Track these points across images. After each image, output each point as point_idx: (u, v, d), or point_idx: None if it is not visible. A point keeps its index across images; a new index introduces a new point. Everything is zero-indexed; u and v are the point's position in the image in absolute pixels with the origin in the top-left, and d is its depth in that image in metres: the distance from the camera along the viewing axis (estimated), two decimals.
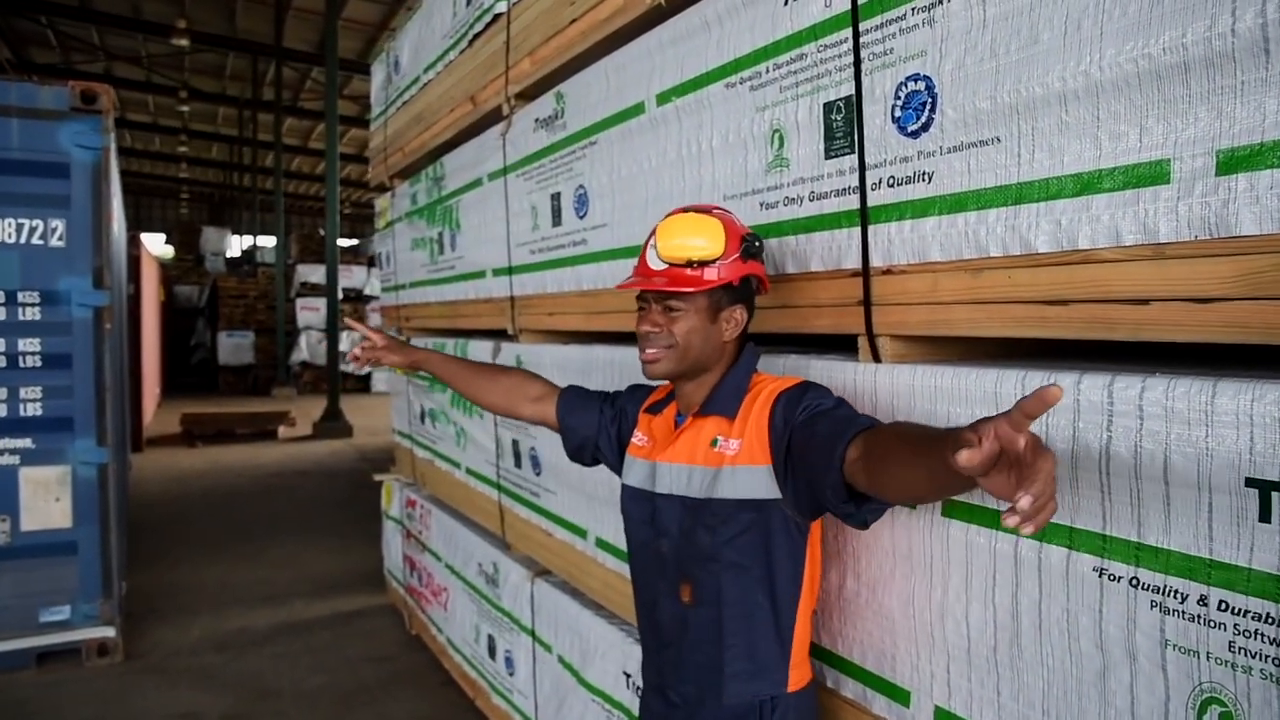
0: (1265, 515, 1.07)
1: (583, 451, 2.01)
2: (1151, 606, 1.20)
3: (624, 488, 1.79)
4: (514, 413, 2.07)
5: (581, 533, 2.74)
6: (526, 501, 3.13)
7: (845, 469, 1.35)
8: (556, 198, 2.79)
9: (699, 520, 1.59)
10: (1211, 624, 1.13)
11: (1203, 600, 1.14)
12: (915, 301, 1.54)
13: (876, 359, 1.64)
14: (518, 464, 3.18)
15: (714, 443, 1.60)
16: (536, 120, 2.88)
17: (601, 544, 2.62)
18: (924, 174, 1.50)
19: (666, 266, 1.58)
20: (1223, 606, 1.12)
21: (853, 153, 1.64)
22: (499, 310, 3.28)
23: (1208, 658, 1.14)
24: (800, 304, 1.81)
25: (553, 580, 2.99)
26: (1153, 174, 1.17)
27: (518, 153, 3.03)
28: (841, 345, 1.86)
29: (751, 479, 1.54)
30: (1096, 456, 1.24)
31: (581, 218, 2.65)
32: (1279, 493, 1.06)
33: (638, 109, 2.30)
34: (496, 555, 3.37)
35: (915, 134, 1.51)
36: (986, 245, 1.40)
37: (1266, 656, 1.08)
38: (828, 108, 1.69)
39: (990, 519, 1.42)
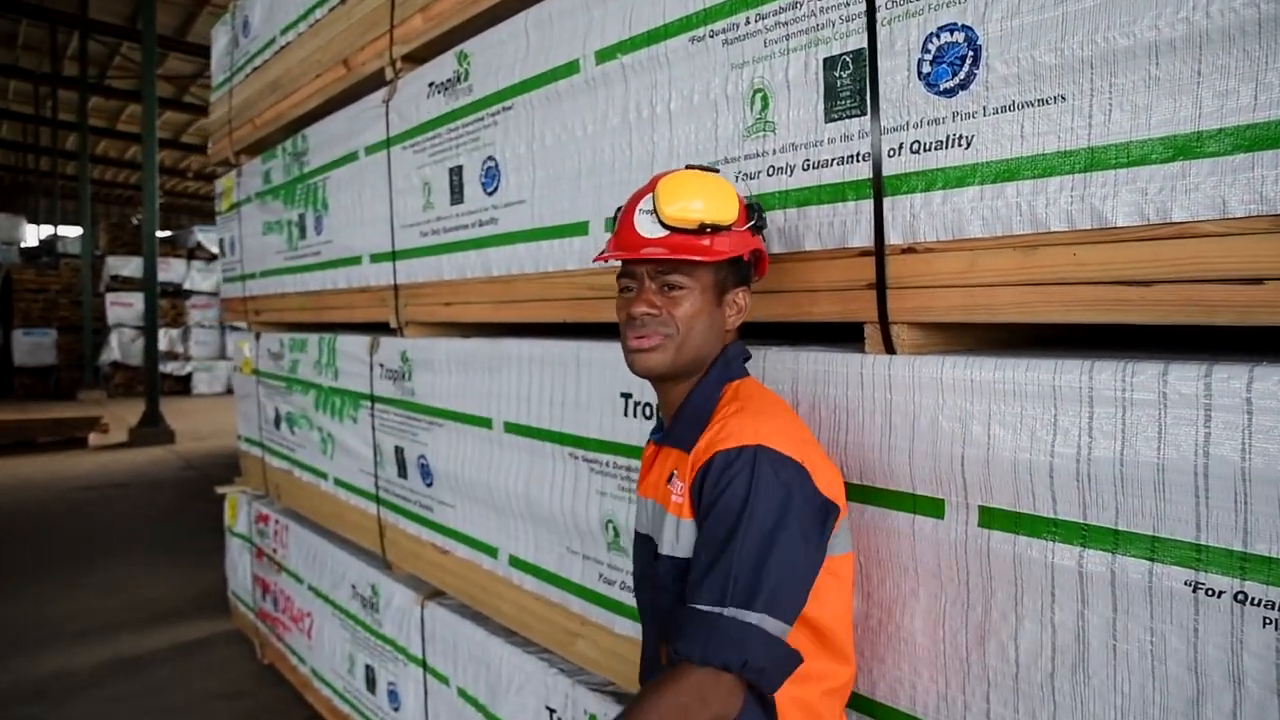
0: None
1: None
2: (1265, 625, 1.06)
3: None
4: None
5: (490, 550, 2.43)
6: (415, 516, 2.77)
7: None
8: (457, 172, 2.46)
9: (655, 569, 1.35)
10: None
11: None
12: (945, 284, 1.36)
13: (889, 350, 1.46)
14: (402, 474, 2.82)
15: (670, 478, 1.35)
16: (431, 85, 2.53)
17: (517, 563, 2.33)
18: (961, 138, 1.32)
19: (667, 234, 1.31)
20: None
21: (863, 114, 1.44)
22: (378, 300, 2.90)
23: None
24: (790, 288, 1.59)
25: (449, 604, 2.66)
26: (1273, 136, 1.03)
27: (406, 122, 2.66)
28: (836, 335, 1.67)
29: (686, 534, 1.30)
30: (1192, 456, 1.10)
31: (490, 194, 2.34)
32: None
33: (570, 69, 2.02)
34: (375, 576, 2.99)
35: (950, 92, 1.33)
36: (1046, 219, 1.23)
37: None
38: (829, 63, 1.49)
39: (1043, 528, 1.26)
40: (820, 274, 1.54)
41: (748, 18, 1.61)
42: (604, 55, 1.93)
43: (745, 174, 1.65)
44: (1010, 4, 1.25)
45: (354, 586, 3.10)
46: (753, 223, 1.37)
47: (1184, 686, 1.13)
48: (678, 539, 1.30)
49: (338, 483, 3.33)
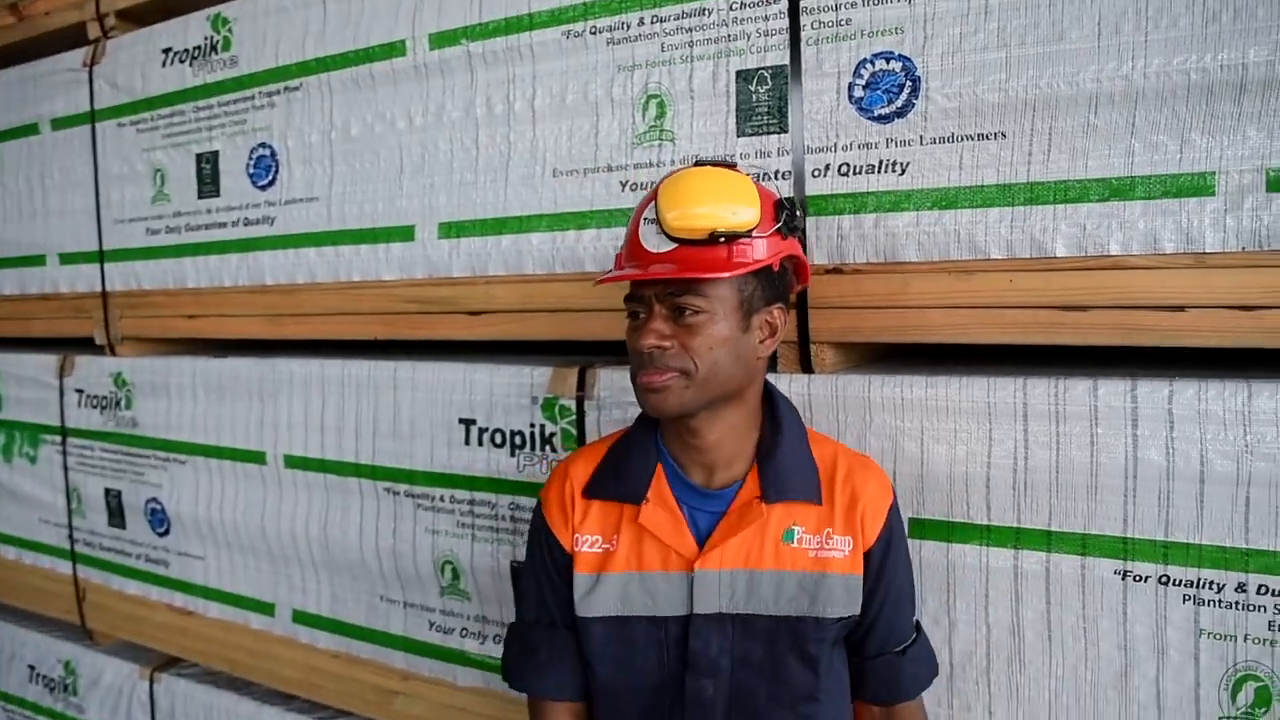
0: None
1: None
2: (1184, 600, 1.24)
3: (589, 622, 1.21)
4: None
5: (264, 607, 2.05)
6: (139, 573, 2.25)
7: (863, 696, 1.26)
8: (209, 159, 2.04)
9: (793, 648, 1.16)
10: (1250, 607, 1.21)
11: (1241, 587, 1.21)
12: (875, 305, 1.40)
13: (806, 369, 1.47)
14: (117, 523, 2.27)
15: (788, 535, 1.16)
16: (169, 52, 2.06)
17: (305, 619, 1.99)
18: (895, 164, 1.37)
19: (675, 247, 1.10)
20: (1262, 590, 1.20)
21: (783, 132, 1.44)
22: (73, 310, 2.30)
23: (1245, 639, 1.21)
24: None
25: (191, 673, 2.20)
26: (1195, 186, 1.20)
27: (124, 94, 2.14)
28: None
29: (856, 590, 1.18)
30: (1122, 461, 1.25)
31: (264, 187, 1.97)
32: None
33: (392, 50, 1.77)
34: (69, 651, 2.38)
35: (885, 119, 1.37)
36: (986, 247, 1.32)
37: None
38: (744, 76, 1.46)
39: (976, 535, 1.36)
40: None
41: (641, 18, 1.53)
42: (442, 39, 1.71)
43: (634, 184, 1.56)
44: (951, 41, 1.32)
45: (33, 667, 2.43)
46: (781, 224, 1.15)
47: (1113, 663, 1.28)
48: (848, 595, 1.17)
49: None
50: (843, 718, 1.24)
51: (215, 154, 2.03)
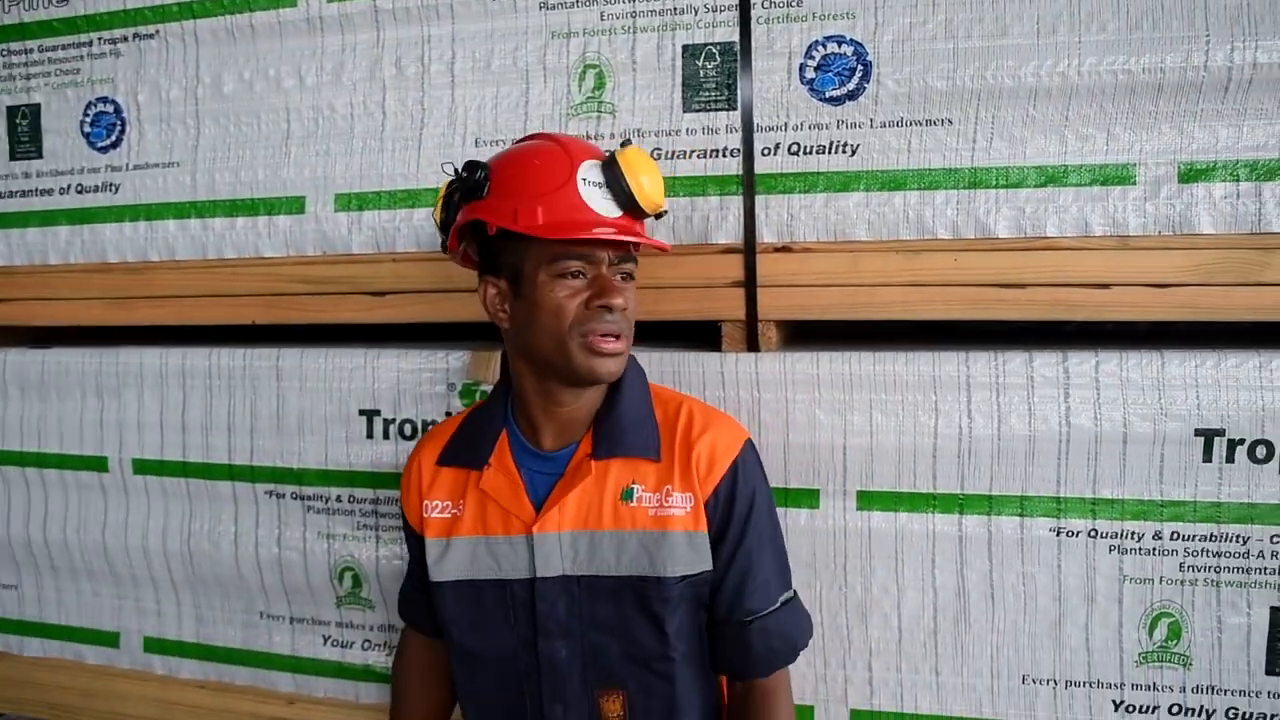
0: (1207, 457, 1.33)
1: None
2: (1110, 551, 1.37)
3: (441, 585, 1.23)
4: (444, 671, 1.37)
5: (105, 638, 1.76)
6: None
7: (715, 667, 1.23)
8: (25, 114, 1.71)
9: (639, 608, 1.15)
10: (1165, 552, 1.35)
11: (1157, 535, 1.35)
12: (825, 283, 1.43)
13: (752, 348, 1.47)
14: None
15: (627, 494, 1.16)
16: None
17: (160, 646, 1.73)
18: (846, 145, 1.40)
19: (620, 214, 1.14)
20: (1174, 536, 1.35)
21: (732, 109, 1.44)
22: None
23: (1160, 581, 1.36)
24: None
25: None
26: (1119, 175, 1.33)
27: None
28: (666, 334, 1.61)
29: (703, 547, 1.17)
30: (1056, 426, 1.36)
31: (104, 149, 1.69)
32: (1220, 438, 1.32)
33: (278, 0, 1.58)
34: None
35: (836, 100, 1.40)
36: (934, 227, 1.39)
37: (1206, 567, 1.34)
38: (690, 51, 1.44)
39: (923, 503, 1.42)
40: (672, 270, 1.48)
41: None
42: None
43: None
44: (901, 29, 1.37)
45: None
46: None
47: (1049, 613, 1.39)
48: (693, 553, 1.15)
49: None
50: (709, 680, 1.23)
51: (35, 108, 1.71)
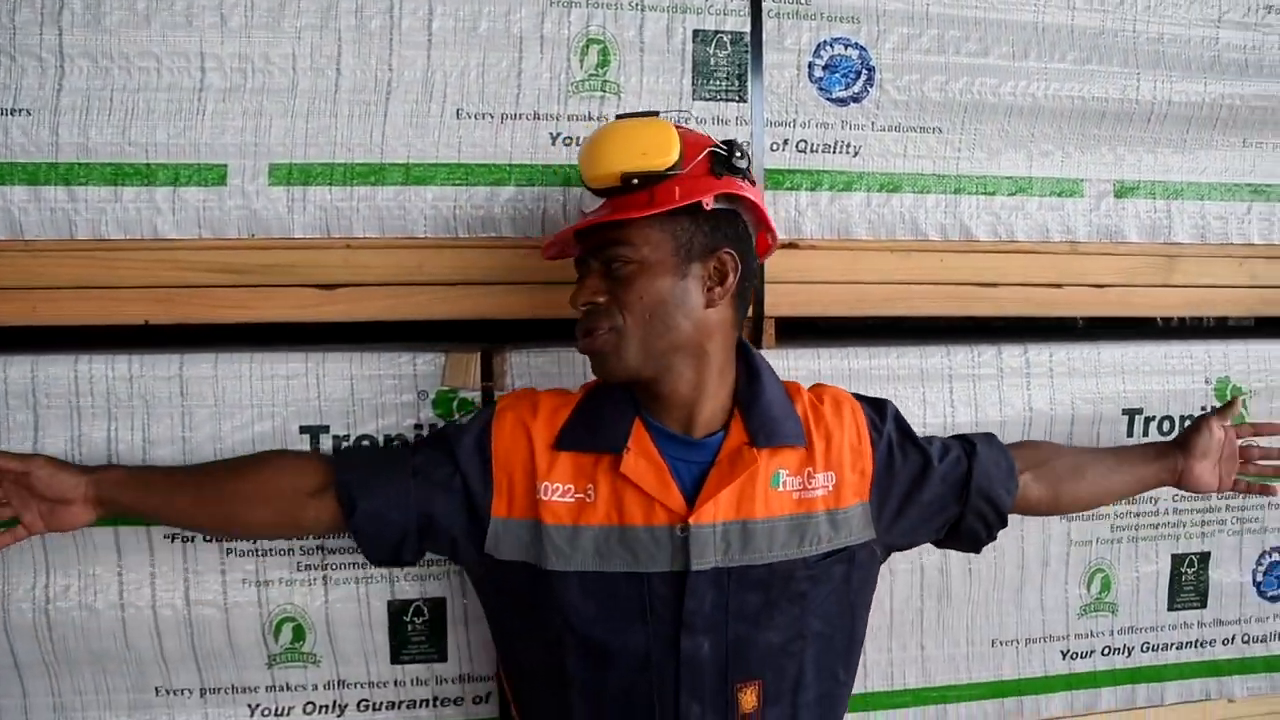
0: (1130, 432, 1.57)
1: (401, 548, 1.15)
2: (1061, 519, 1.55)
3: (564, 575, 1.09)
4: (294, 526, 1.20)
5: None
6: None
7: (1019, 501, 1.28)
8: None
9: (784, 593, 1.12)
10: (1101, 517, 1.56)
11: None
12: (830, 280, 1.46)
13: (755, 345, 1.45)
14: None
15: (775, 480, 1.12)
16: None
17: None
18: (849, 145, 1.44)
19: (603, 201, 1.11)
20: None
21: (742, 101, 1.40)
22: None
23: (1097, 542, 1.57)
24: None
25: None
26: (1071, 189, 1.52)
27: None
28: None
29: (847, 522, 1.16)
30: (1021, 410, 1.51)
31: None
32: (1139, 415, 1.56)
33: None
34: None
35: (842, 101, 1.43)
36: (925, 229, 1.47)
37: (1129, 526, 1.58)
38: (701, 37, 1.39)
39: None
40: None
41: None
42: None
43: (569, 137, 1.37)
44: (901, 39, 1.44)
45: None
46: (713, 165, 1.09)
47: (1014, 580, 1.54)
48: (833, 530, 1.14)
49: None
50: (838, 657, 1.21)
51: None
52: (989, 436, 1.30)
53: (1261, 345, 1.60)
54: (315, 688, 1.37)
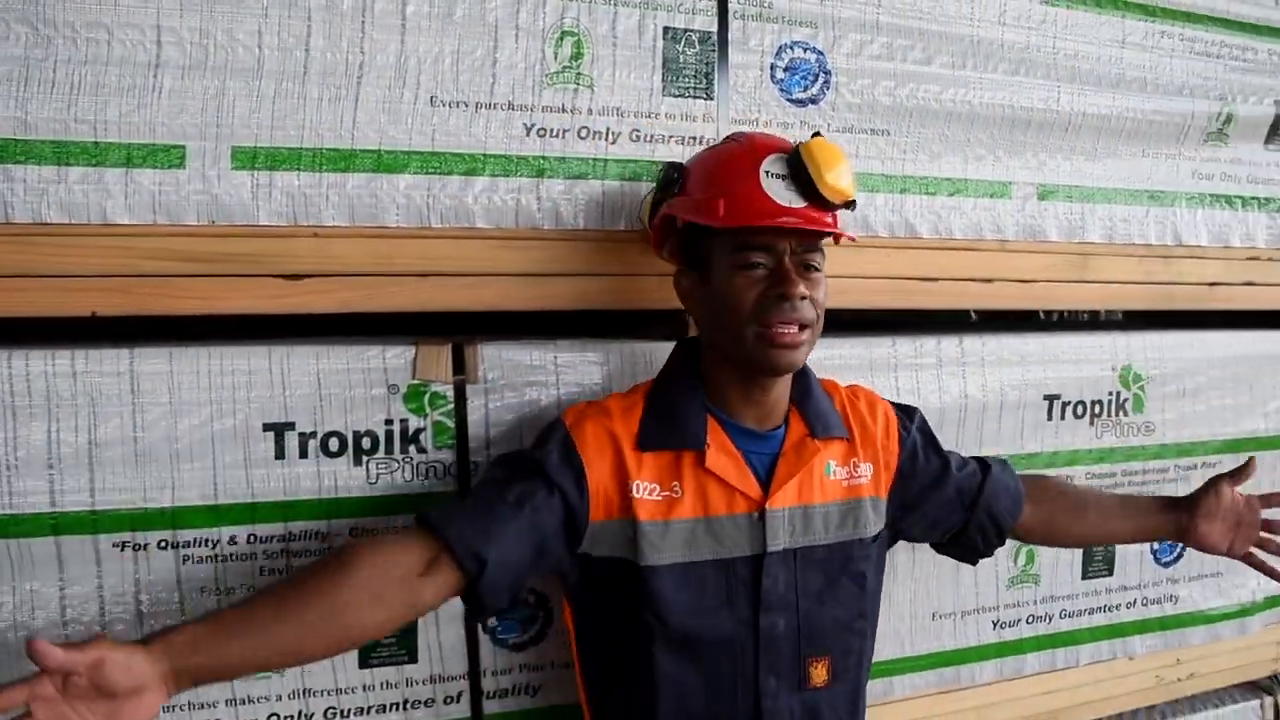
0: (1049, 417, 1.70)
1: (519, 589, 1.17)
2: None
3: (656, 570, 1.15)
4: (414, 612, 1.11)
5: None
6: None
7: (1018, 526, 1.39)
8: None
9: (845, 571, 1.24)
10: None
11: None
12: None
13: None
14: None
15: (828, 470, 1.24)
16: None
17: None
18: None
19: (805, 205, 1.13)
20: None
21: (709, 99, 1.44)
22: None
23: None
24: (610, 272, 1.41)
25: None
26: (1001, 191, 1.63)
27: None
28: (620, 326, 1.51)
29: (879, 512, 1.29)
30: (958, 398, 1.62)
31: None
32: (1058, 401, 1.70)
33: None
34: None
35: (801, 103, 1.49)
36: (875, 226, 1.54)
37: None
38: (671, 34, 1.41)
39: None
40: (651, 259, 1.42)
41: None
42: None
43: (543, 129, 1.36)
44: (855, 45, 1.51)
45: None
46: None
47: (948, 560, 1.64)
48: (876, 516, 1.27)
49: None
50: (875, 629, 1.34)
51: None
52: (1004, 462, 1.42)
53: (1158, 336, 1.77)
54: (279, 698, 1.30)
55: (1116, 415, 1.74)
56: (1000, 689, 1.72)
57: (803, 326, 1.13)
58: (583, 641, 1.26)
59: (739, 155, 1.17)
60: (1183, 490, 1.80)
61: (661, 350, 1.43)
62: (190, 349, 1.24)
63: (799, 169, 1.12)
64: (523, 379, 1.37)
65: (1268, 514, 1.39)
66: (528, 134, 1.35)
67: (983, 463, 1.39)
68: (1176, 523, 1.40)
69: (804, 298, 1.12)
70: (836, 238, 1.18)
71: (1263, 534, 1.39)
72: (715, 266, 1.16)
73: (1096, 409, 1.73)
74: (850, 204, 1.16)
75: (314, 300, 1.29)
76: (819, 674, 1.22)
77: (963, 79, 1.58)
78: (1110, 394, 1.73)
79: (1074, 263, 1.70)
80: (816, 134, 1.18)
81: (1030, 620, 1.72)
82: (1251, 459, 1.42)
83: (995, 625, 1.70)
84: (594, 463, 1.16)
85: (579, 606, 1.25)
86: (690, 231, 1.21)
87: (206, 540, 1.24)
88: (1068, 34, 1.64)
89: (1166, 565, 1.83)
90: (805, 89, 1.49)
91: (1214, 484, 1.40)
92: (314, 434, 1.28)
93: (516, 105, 1.35)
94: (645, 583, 1.15)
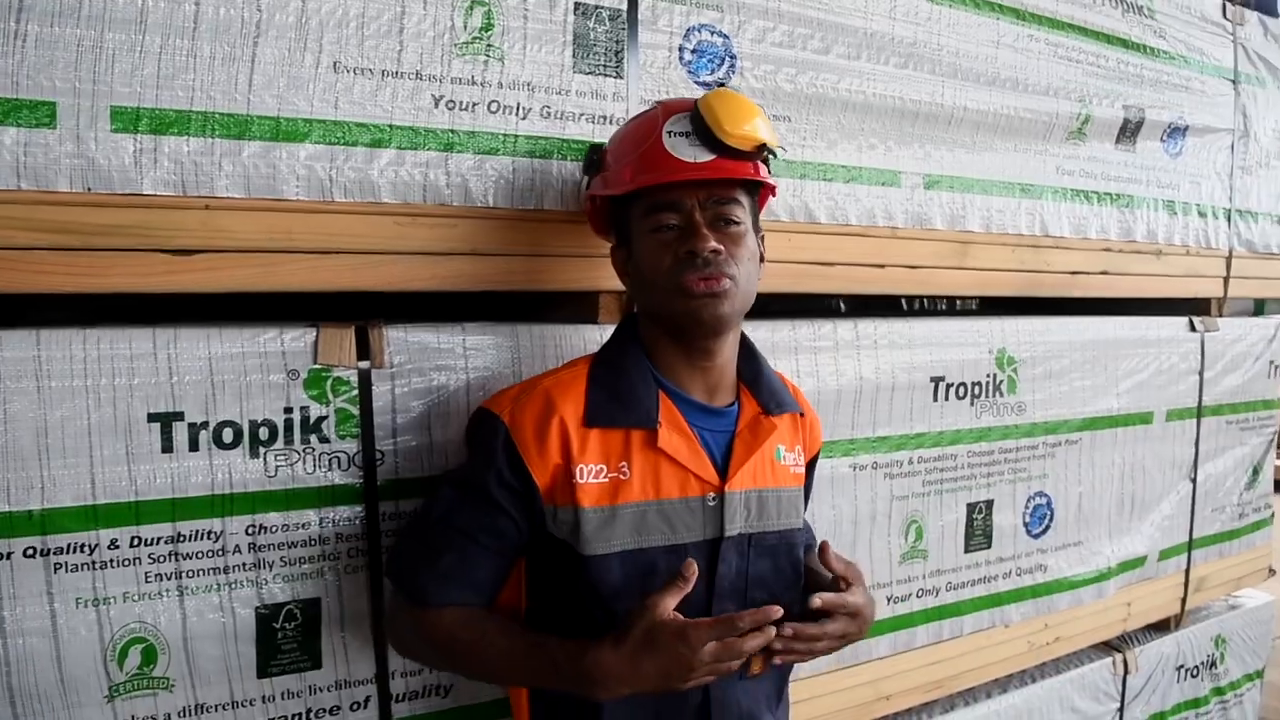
0: (935, 398, 1.78)
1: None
2: (885, 478, 1.72)
3: (605, 558, 1.10)
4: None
5: None
6: None
7: None
8: None
9: (789, 556, 1.21)
10: (914, 474, 1.76)
11: (910, 461, 1.75)
12: None
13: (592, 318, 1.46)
14: None
15: (778, 454, 1.21)
16: None
17: None
18: None
19: (712, 158, 1.09)
20: (919, 460, 1.76)
21: (619, 78, 1.42)
22: None
23: (912, 496, 1.76)
24: (516, 251, 1.36)
25: None
26: (891, 179, 1.69)
27: None
28: (518, 308, 1.46)
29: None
30: (853, 380, 1.66)
31: None
32: (943, 383, 1.78)
33: None
34: None
35: (708, 86, 1.49)
36: (776, 211, 1.56)
37: (936, 480, 1.79)
38: (582, 10, 1.38)
39: None
40: (562, 239, 1.39)
41: None
42: None
43: (452, 101, 1.30)
44: (758, 31, 1.53)
45: None
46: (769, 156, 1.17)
47: (849, 535, 1.69)
48: (803, 504, 1.27)
49: None
50: None
51: None
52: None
53: (1028, 321, 1.89)
54: (168, 718, 1.18)
55: (993, 396, 1.85)
56: (893, 662, 1.78)
57: (729, 277, 1.08)
58: (532, 624, 1.19)
59: (646, 121, 1.16)
60: (1052, 466, 1.94)
61: (574, 333, 1.41)
62: (62, 331, 1.11)
63: (699, 122, 1.10)
64: (430, 363, 1.30)
65: None
66: (436, 105, 1.29)
67: None
68: None
69: (716, 251, 1.07)
70: (753, 185, 1.15)
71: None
72: (635, 236, 1.14)
73: (976, 390, 1.82)
74: (766, 151, 1.13)
75: (205, 278, 1.18)
76: (758, 661, 1.13)
77: (857, 69, 1.63)
78: (988, 376, 1.83)
79: (956, 250, 1.78)
80: (721, 85, 1.17)
81: (920, 594, 1.79)
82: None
83: (890, 600, 1.76)
84: (538, 461, 1.09)
85: (533, 586, 1.19)
86: (616, 207, 1.19)
87: (82, 546, 1.12)
88: (951, 31, 1.72)
89: (1036, 537, 1.95)
90: (712, 71, 1.50)
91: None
92: (205, 424, 1.17)
93: (425, 75, 1.28)
94: (589, 571, 1.09)
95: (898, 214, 1.71)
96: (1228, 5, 2.19)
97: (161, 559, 1.16)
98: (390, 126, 1.26)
